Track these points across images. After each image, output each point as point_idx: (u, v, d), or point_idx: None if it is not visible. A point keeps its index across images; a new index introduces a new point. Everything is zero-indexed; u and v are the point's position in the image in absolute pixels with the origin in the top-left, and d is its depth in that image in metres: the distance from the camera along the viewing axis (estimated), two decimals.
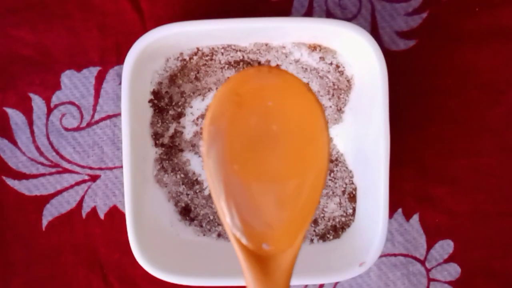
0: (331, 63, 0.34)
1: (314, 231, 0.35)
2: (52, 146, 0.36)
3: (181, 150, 0.35)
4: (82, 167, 0.36)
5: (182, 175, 0.35)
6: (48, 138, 0.36)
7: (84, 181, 0.36)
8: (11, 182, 0.36)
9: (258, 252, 0.23)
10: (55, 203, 0.36)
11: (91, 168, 0.36)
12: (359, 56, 0.33)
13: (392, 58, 0.34)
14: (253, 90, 0.25)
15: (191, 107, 0.35)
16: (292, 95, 0.24)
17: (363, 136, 0.34)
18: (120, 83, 0.36)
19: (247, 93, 0.25)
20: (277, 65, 0.34)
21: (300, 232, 0.24)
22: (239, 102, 0.24)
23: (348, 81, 0.34)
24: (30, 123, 0.36)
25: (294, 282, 0.33)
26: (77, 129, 0.36)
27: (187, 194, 0.35)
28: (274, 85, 0.25)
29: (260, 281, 0.22)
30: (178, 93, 0.35)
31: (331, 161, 0.35)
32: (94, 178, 0.36)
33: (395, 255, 0.36)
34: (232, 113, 0.24)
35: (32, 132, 0.36)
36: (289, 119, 0.25)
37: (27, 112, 0.36)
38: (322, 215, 0.35)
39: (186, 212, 0.35)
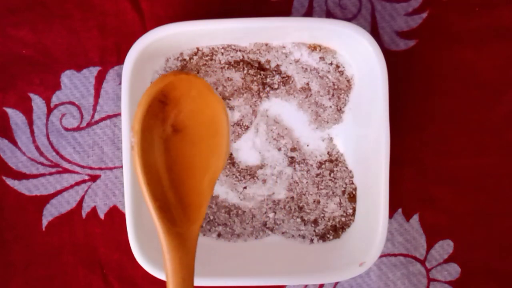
0: (331, 63, 0.34)
1: (314, 231, 0.35)
2: (52, 146, 0.36)
3: None
4: (82, 167, 0.36)
5: None
6: (48, 138, 0.36)
7: (84, 181, 0.36)
8: (11, 182, 0.36)
9: (173, 229, 0.30)
10: (55, 203, 0.36)
11: (91, 168, 0.36)
12: (359, 56, 0.33)
13: (392, 58, 0.34)
14: (174, 92, 0.31)
15: None
16: (197, 94, 0.32)
17: (363, 136, 0.34)
18: (120, 83, 0.36)
19: (169, 93, 0.31)
20: (277, 65, 0.34)
21: (199, 212, 0.31)
22: (164, 101, 0.31)
23: (348, 81, 0.34)
24: (30, 123, 0.36)
25: (294, 282, 0.33)
26: (77, 129, 0.36)
27: None
28: (187, 86, 0.32)
29: (176, 248, 0.29)
30: None
31: (331, 161, 0.35)
32: (94, 178, 0.36)
33: (395, 255, 0.36)
34: (157, 111, 0.31)
35: (32, 132, 0.36)
36: (198, 114, 0.32)
37: (27, 112, 0.36)
38: (322, 215, 0.35)
39: None
